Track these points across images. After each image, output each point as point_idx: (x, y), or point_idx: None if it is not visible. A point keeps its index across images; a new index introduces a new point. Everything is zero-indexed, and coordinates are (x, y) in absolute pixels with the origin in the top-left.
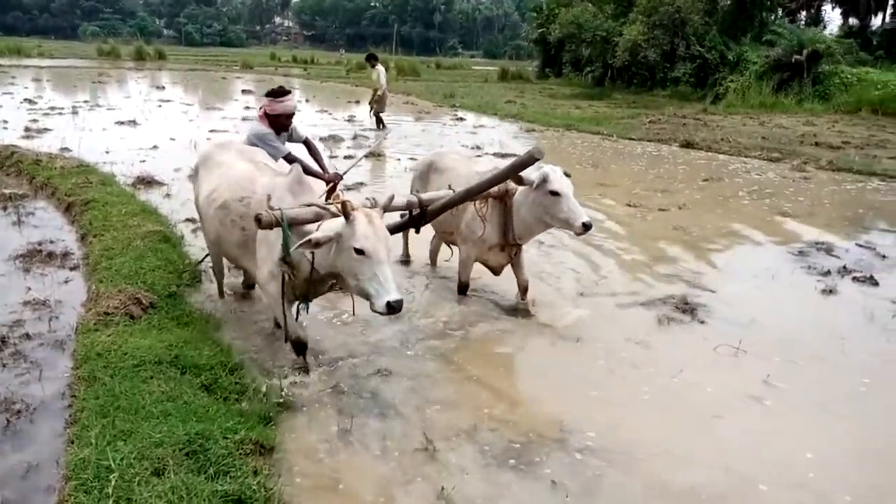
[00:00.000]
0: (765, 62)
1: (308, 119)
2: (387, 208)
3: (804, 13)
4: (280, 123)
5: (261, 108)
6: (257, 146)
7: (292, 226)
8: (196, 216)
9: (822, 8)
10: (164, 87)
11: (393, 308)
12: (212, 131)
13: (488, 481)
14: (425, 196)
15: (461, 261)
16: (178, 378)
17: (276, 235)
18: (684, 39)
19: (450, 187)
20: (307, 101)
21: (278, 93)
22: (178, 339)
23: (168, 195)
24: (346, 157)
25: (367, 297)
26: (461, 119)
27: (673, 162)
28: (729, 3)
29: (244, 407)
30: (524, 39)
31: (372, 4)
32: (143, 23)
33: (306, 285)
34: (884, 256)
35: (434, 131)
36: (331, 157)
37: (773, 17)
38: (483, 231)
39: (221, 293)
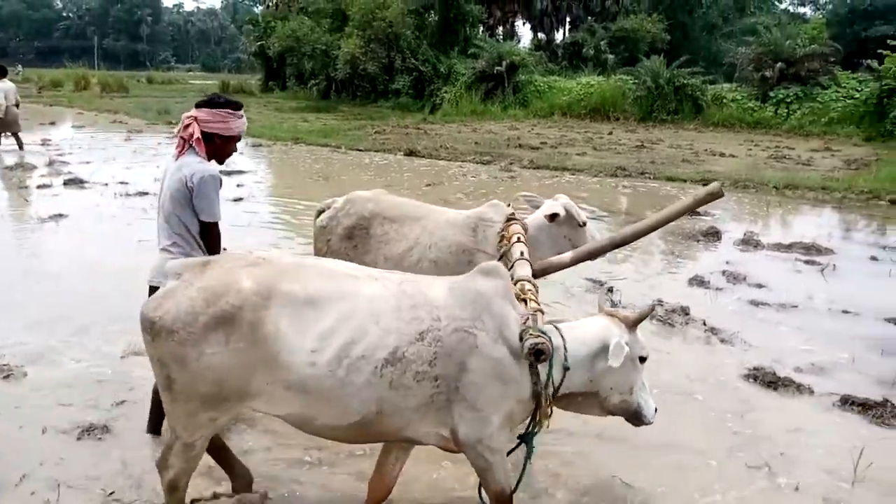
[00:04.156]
0: (472, 73)
1: None
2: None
3: (501, 28)
4: (227, 152)
5: (189, 128)
6: (204, 200)
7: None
8: None
9: (515, 24)
10: None
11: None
12: None
13: None
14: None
15: None
16: None
17: (521, 367)
18: (400, 53)
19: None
20: None
21: (233, 104)
22: None
23: None
24: (38, 187)
25: (630, 411)
26: None
27: (399, 170)
28: (436, 18)
29: None
30: (244, 52)
31: (64, 15)
32: None
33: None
34: None
35: (148, 151)
36: (20, 187)
37: (475, 32)
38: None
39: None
